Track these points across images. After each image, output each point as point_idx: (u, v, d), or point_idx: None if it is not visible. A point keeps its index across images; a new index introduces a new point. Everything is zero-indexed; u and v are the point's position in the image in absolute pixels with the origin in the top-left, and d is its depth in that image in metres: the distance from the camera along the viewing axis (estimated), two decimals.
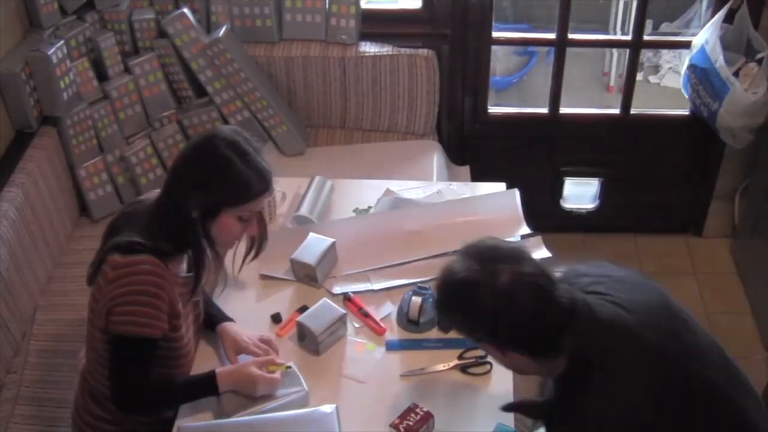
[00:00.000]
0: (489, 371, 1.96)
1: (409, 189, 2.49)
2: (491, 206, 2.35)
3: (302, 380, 1.90)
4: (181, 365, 1.92)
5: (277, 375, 1.88)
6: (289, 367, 1.91)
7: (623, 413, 1.49)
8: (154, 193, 1.93)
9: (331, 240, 2.19)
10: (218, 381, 1.84)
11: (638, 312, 1.58)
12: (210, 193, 1.80)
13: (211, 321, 2.04)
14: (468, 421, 1.84)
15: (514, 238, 2.26)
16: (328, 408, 1.81)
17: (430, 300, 2.04)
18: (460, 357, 1.98)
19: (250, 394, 1.86)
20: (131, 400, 1.83)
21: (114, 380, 1.82)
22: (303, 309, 2.09)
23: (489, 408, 1.84)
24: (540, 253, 2.24)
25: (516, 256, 1.55)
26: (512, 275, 1.50)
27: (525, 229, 2.30)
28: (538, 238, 2.31)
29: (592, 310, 1.56)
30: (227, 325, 2.02)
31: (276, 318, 2.10)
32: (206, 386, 1.85)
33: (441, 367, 1.96)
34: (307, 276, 2.16)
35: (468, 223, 2.29)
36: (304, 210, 2.33)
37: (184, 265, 1.91)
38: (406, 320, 2.04)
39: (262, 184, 1.84)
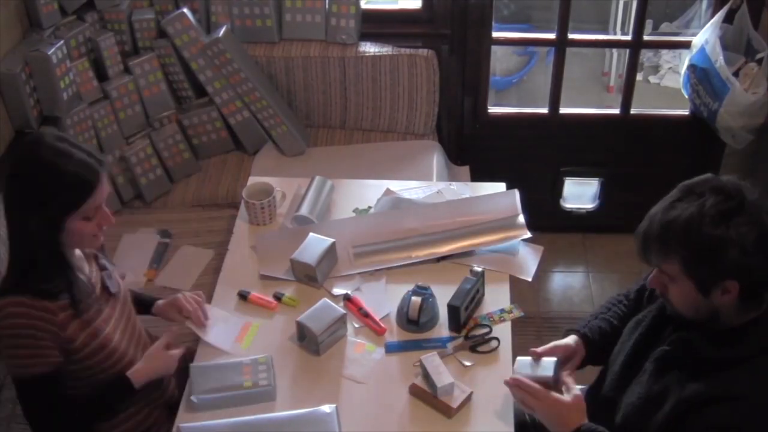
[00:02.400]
0: (496, 348, 1.98)
1: (409, 189, 2.48)
2: (491, 207, 2.34)
3: (272, 375, 1.91)
4: (120, 369, 1.89)
5: (176, 352, 1.92)
6: None
7: None
8: None
9: (330, 240, 2.19)
10: (132, 379, 1.85)
11: None
12: (46, 206, 1.70)
13: (146, 308, 2.07)
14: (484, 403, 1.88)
15: (515, 239, 2.25)
16: (328, 408, 1.81)
17: (430, 300, 2.04)
18: (466, 337, 2.00)
19: (165, 374, 1.93)
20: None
21: (29, 421, 1.82)
22: (279, 296, 2.14)
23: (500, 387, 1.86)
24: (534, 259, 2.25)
25: (749, 189, 1.52)
26: (760, 210, 1.49)
27: (525, 232, 2.28)
28: (539, 248, 2.31)
29: None
30: (159, 302, 2.08)
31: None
32: (121, 389, 1.85)
33: (449, 350, 1.98)
34: (307, 276, 2.16)
35: (467, 223, 2.29)
36: (304, 210, 2.33)
37: (57, 284, 1.79)
38: (406, 320, 2.04)
39: (91, 177, 1.73)
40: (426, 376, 1.87)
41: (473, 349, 2.00)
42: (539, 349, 1.83)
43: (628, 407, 1.66)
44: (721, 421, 1.48)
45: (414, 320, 2.03)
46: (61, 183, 1.70)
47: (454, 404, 1.84)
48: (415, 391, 1.90)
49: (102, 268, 1.93)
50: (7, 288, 1.75)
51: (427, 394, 1.87)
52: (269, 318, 2.11)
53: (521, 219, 2.31)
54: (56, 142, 1.72)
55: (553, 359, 1.79)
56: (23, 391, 1.79)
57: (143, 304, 2.09)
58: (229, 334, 2.05)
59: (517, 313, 2.10)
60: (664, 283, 1.60)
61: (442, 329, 2.06)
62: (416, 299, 2.02)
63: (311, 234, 2.21)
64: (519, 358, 1.84)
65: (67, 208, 1.72)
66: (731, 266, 1.48)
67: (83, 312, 1.80)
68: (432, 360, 1.89)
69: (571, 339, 1.89)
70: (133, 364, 1.91)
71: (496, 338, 2.02)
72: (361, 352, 2.01)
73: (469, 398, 1.87)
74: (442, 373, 1.86)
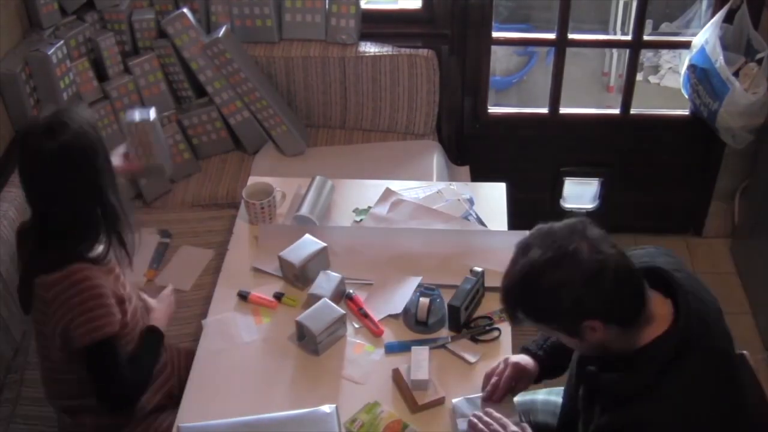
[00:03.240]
0: (497, 337, 2.00)
1: (409, 189, 2.48)
2: (491, 242, 2.24)
3: None
4: (129, 336, 1.95)
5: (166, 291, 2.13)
6: None
7: (701, 408, 1.48)
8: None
9: (322, 244, 2.17)
10: (160, 328, 2.00)
11: (709, 305, 1.59)
12: (96, 180, 1.81)
13: None
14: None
15: None
16: (328, 408, 1.81)
17: (438, 300, 2.05)
18: (467, 327, 2.01)
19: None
20: (120, 397, 1.87)
21: (101, 385, 1.85)
22: (279, 295, 2.15)
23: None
24: None
25: (578, 229, 1.51)
26: (590, 246, 1.47)
27: None
28: None
29: (681, 285, 1.55)
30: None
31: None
32: (158, 340, 2.00)
33: (450, 338, 2.00)
34: (294, 276, 2.16)
35: (465, 255, 2.22)
36: (304, 210, 2.33)
37: (101, 249, 1.86)
38: (415, 321, 2.04)
39: (93, 122, 1.87)
40: (409, 366, 1.89)
41: (474, 339, 2.00)
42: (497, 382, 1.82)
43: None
44: None
45: (423, 321, 2.03)
46: (92, 145, 1.79)
47: (421, 401, 1.86)
48: (395, 377, 1.92)
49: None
50: (58, 262, 1.78)
51: (403, 383, 1.89)
52: (269, 317, 2.11)
53: None
54: (77, 122, 1.79)
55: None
56: (98, 356, 1.82)
57: None
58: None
59: None
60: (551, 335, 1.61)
61: (446, 330, 2.06)
62: (424, 300, 2.03)
63: (306, 235, 2.21)
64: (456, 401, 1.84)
65: (103, 164, 1.82)
66: (572, 311, 1.47)
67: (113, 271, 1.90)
68: (420, 352, 1.91)
69: (523, 358, 1.87)
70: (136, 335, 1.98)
71: (498, 328, 2.02)
72: (360, 352, 2.01)
73: (440, 401, 1.87)
74: (422, 368, 1.87)
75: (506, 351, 2.01)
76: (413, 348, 1.93)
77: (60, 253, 1.80)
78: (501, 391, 1.81)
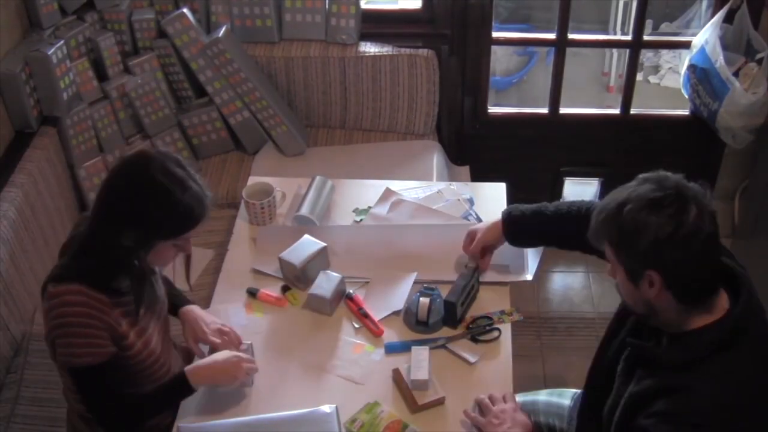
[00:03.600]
0: (497, 338, 2.00)
1: (409, 189, 2.48)
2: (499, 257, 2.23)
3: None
4: (156, 379, 1.88)
5: (247, 366, 1.86)
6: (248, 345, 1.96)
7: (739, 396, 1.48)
8: None
9: (322, 244, 2.16)
10: (190, 380, 1.81)
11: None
12: (147, 227, 1.70)
13: (174, 306, 2.03)
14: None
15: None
16: (328, 408, 1.81)
17: (438, 300, 2.05)
18: (467, 327, 2.02)
19: (230, 384, 1.86)
20: (108, 421, 1.83)
21: (87, 406, 1.83)
22: (285, 288, 2.15)
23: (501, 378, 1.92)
24: None
25: (698, 195, 1.55)
26: (698, 213, 1.50)
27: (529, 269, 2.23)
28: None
29: (745, 278, 1.58)
30: (188, 309, 2.02)
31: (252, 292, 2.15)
32: (180, 389, 1.82)
33: (450, 338, 2.00)
34: (295, 277, 2.15)
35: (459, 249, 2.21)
36: (304, 210, 2.33)
37: (122, 282, 1.79)
38: (416, 321, 2.04)
39: (201, 211, 1.74)
40: (409, 366, 1.89)
41: (474, 339, 2.00)
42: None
43: (606, 409, 1.67)
44: (663, 410, 1.49)
45: (423, 321, 2.03)
46: (172, 211, 1.69)
47: (421, 401, 1.85)
48: (395, 377, 1.92)
49: (152, 273, 1.92)
50: (65, 275, 1.74)
51: (403, 383, 1.89)
52: (272, 313, 2.11)
53: (528, 276, 2.22)
54: (175, 167, 1.70)
55: None
56: (78, 380, 1.78)
57: (170, 302, 2.05)
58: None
59: (516, 316, 2.09)
60: (614, 271, 1.62)
61: (445, 330, 2.06)
62: (424, 300, 2.03)
63: (306, 235, 2.20)
64: None
65: (168, 235, 1.73)
66: (646, 254, 1.49)
67: (136, 320, 1.81)
68: (420, 352, 1.91)
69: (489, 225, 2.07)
70: (168, 370, 1.91)
71: (498, 329, 2.02)
72: (360, 352, 2.01)
73: (440, 401, 1.87)
74: (422, 368, 1.87)
75: (506, 351, 2.01)
76: (413, 348, 1.93)
77: (69, 266, 1.75)
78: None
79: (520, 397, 2.01)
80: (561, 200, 2.03)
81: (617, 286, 1.64)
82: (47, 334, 1.75)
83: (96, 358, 1.73)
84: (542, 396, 2.12)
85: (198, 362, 1.87)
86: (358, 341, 2.04)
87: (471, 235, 2.11)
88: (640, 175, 1.61)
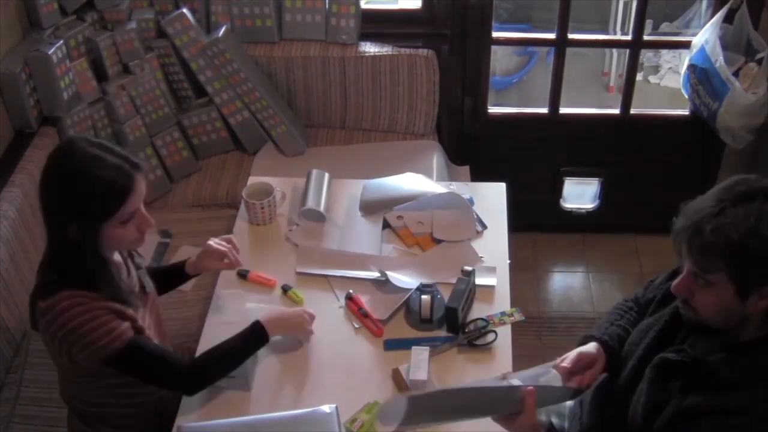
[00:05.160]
0: (494, 341, 2.00)
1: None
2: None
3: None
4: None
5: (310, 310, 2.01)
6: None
7: None
8: None
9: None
10: (267, 328, 1.89)
11: None
12: (81, 215, 1.68)
13: (178, 273, 2.08)
14: None
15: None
16: (327, 408, 1.81)
17: (438, 296, 2.06)
18: (463, 331, 2.01)
19: (297, 336, 1.99)
20: (187, 383, 1.84)
21: (155, 383, 1.84)
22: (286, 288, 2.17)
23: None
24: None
25: None
26: None
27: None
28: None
29: None
30: (190, 261, 2.08)
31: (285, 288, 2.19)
32: (257, 337, 1.89)
33: (447, 345, 2.00)
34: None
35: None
36: (310, 203, 2.34)
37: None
38: (419, 320, 2.04)
39: (124, 180, 1.69)
40: (409, 366, 1.90)
41: (470, 343, 2.00)
42: (567, 363, 1.76)
43: (633, 414, 1.65)
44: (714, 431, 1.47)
45: (428, 319, 2.03)
46: (96, 190, 1.67)
47: None
48: (395, 377, 1.92)
49: (138, 267, 1.93)
50: (49, 288, 1.73)
51: (402, 383, 1.90)
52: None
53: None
54: (89, 148, 1.69)
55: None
56: (123, 367, 1.77)
57: (173, 273, 2.08)
58: None
59: (518, 316, 2.09)
60: (692, 289, 1.56)
61: (444, 329, 2.06)
62: (426, 298, 2.03)
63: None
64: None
65: (103, 215, 1.69)
66: None
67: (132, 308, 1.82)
68: (420, 352, 1.91)
69: (592, 347, 1.82)
70: None
71: (494, 331, 2.02)
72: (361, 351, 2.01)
73: None
74: (422, 369, 1.87)
75: (505, 355, 2.00)
76: (413, 348, 1.93)
77: (50, 279, 1.74)
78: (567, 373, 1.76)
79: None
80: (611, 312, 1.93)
81: (685, 302, 1.58)
82: (59, 348, 1.74)
83: (122, 339, 1.72)
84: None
85: (269, 313, 1.94)
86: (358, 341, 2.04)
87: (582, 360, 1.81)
88: (730, 185, 1.52)
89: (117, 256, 1.87)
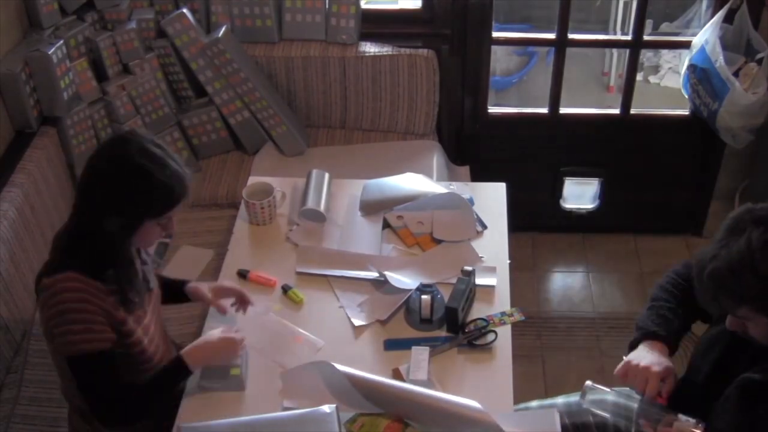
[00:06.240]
0: (494, 341, 2.00)
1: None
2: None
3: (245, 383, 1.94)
4: (150, 369, 1.88)
5: (238, 335, 1.89)
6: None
7: None
8: None
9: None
10: (187, 361, 1.82)
11: None
12: (129, 209, 1.71)
13: (178, 290, 2.05)
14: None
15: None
16: (328, 408, 1.81)
17: (438, 296, 2.06)
18: (463, 331, 2.01)
19: (225, 363, 1.89)
20: (108, 413, 1.79)
21: (86, 398, 1.79)
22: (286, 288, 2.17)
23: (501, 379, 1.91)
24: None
25: None
26: None
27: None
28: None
29: None
30: (193, 284, 2.06)
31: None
32: (178, 371, 1.83)
33: (447, 345, 1.99)
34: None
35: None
36: (311, 203, 2.34)
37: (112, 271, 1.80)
38: (419, 320, 2.05)
39: (182, 189, 1.75)
40: (409, 366, 1.90)
41: (470, 343, 2.00)
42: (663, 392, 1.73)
43: None
44: None
45: (428, 318, 2.04)
46: (153, 190, 1.70)
47: None
48: (395, 377, 1.92)
49: (143, 263, 1.93)
50: (58, 266, 1.73)
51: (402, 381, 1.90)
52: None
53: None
54: (152, 147, 1.71)
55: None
56: (78, 368, 1.75)
57: (173, 288, 2.07)
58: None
59: (518, 316, 2.09)
60: (741, 324, 1.56)
61: (443, 329, 2.06)
62: (426, 297, 2.03)
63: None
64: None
65: (151, 214, 1.73)
66: None
67: (132, 307, 1.81)
68: (420, 352, 1.91)
69: (662, 358, 1.77)
70: (158, 358, 1.91)
71: (494, 331, 2.02)
72: (301, 343, 2.03)
73: None
74: (422, 369, 1.88)
75: (506, 353, 2.00)
76: (413, 348, 1.93)
77: (61, 258, 1.75)
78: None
79: (587, 395, 1.99)
80: (657, 295, 1.90)
81: (745, 334, 1.57)
82: (45, 327, 1.74)
83: (95, 345, 1.71)
84: (611, 396, 2.04)
85: (192, 344, 1.87)
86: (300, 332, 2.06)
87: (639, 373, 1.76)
88: (726, 224, 1.53)
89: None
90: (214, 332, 1.90)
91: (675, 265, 1.92)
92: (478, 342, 2.01)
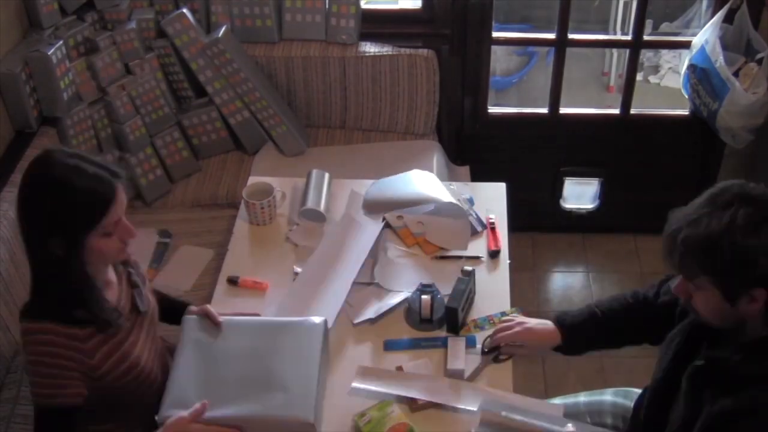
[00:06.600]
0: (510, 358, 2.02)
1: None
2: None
3: None
4: (141, 390, 1.86)
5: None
6: None
7: None
8: None
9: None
10: None
11: None
12: (62, 227, 1.64)
13: (177, 312, 1.99)
14: None
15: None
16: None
17: (438, 296, 2.06)
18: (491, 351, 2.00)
19: None
20: None
21: None
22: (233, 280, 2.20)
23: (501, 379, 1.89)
24: None
25: None
26: None
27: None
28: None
29: None
30: (190, 308, 1.99)
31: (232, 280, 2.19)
32: None
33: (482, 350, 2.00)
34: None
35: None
36: (311, 203, 2.34)
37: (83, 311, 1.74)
38: (419, 320, 2.05)
39: (105, 189, 1.66)
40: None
41: (496, 359, 2.00)
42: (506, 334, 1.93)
43: (671, 427, 1.65)
44: None
45: (428, 318, 2.04)
46: (76, 201, 1.63)
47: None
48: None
49: (134, 286, 1.88)
50: (35, 313, 1.71)
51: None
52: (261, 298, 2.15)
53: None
54: (66, 159, 1.65)
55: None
56: (38, 419, 1.74)
57: (174, 311, 2.01)
58: None
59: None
60: (688, 291, 1.58)
61: (444, 329, 2.06)
62: (426, 298, 2.03)
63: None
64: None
65: (85, 226, 1.65)
66: (761, 275, 1.46)
67: (110, 336, 1.77)
68: (456, 342, 1.98)
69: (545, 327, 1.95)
70: (155, 379, 1.89)
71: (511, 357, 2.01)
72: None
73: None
74: (459, 359, 1.94)
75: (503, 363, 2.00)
76: (450, 339, 1.99)
77: (38, 303, 1.72)
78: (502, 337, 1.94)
79: (585, 397, 2.00)
80: (600, 300, 1.98)
81: (686, 303, 1.60)
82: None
83: (57, 399, 1.69)
84: (608, 396, 2.08)
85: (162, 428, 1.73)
86: None
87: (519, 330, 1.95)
88: (711, 193, 1.53)
89: (111, 274, 1.84)
90: (169, 421, 1.73)
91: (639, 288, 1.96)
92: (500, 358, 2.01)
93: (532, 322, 1.96)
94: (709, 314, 1.57)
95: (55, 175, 1.64)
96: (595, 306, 1.93)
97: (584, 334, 1.91)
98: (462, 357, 1.93)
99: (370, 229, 2.31)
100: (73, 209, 1.64)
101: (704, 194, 1.55)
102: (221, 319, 1.91)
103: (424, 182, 2.44)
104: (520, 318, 2.00)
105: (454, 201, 2.33)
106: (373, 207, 2.39)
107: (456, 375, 1.92)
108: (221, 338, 1.88)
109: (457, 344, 1.97)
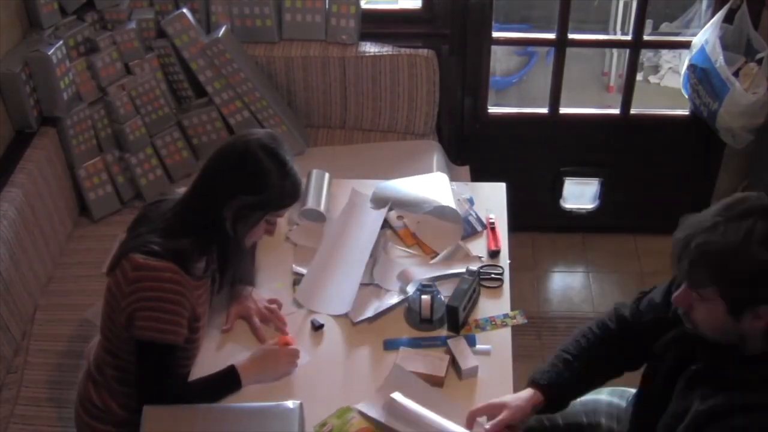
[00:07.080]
0: (501, 285, 2.06)
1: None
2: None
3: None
4: (192, 358, 1.96)
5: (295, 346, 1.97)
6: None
7: None
8: (179, 192, 1.97)
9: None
10: (241, 375, 1.89)
11: None
12: (252, 198, 1.84)
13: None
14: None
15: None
16: (291, 404, 1.80)
17: (438, 296, 2.06)
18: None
19: (276, 377, 1.93)
20: (155, 399, 1.82)
21: (140, 382, 1.85)
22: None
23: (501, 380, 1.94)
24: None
25: None
26: None
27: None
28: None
29: None
30: (242, 289, 2.10)
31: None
32: (230, 383, 1.89)
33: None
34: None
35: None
36: (311, 203, 2.34)
37: (202, 265, 1.89)
38: (419, 320, 2.05)
39: (297, 193, 1.92)
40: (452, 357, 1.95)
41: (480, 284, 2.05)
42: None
43: (661, 426, 1.64)
44: (737, 428, 1.46)
45: (428, 318, 2.04)
46: (286, 182, 1.86)
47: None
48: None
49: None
50: (158, 251, 1.80)
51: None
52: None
53: None
54: (284, 152, 1.88)
55: None
56: (148, 354, 1.81)
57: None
58: None
59: (520, 319, 2.09)
60: (690, 302, 1.55)
61: (443, 328, 2.06)
62: (426, 298, 2.03)
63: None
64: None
65: (273, 207, 1.89)
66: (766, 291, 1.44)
67: (208, 295, 1.94)
68: (458, 342, 1.98)
69: (516, 396, 1.79)
70: (193, 354, 1.97)
71: (501, 279, 2.08)
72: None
73: (439, 382, 1.91)
74: (468, 357, 1.94)
75: (506, 354, 2.00)
76: (449, 340, 1.99)
77: (167, 245, 1.81)
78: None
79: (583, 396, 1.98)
80: (566, 343, 1.86)
81: (685, 314, 1.57)
82: (127, 302, 1.79)
83: (175, 337, 1.81)
84: (604, 396, 2.05)
85: (244, 360, 1.92)
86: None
87: (493, 409, 1.78)
88: (726, 203, 1.50)
89: None
90: (260, 349, 1.96)
91: (607, 310, 1.91)
92: (488, 284, 2.05)
93: (507, 398, 1.79)
94: (708, 327, 1.55)
95: (282, 158, 1.87)
96: (565, 352, 1.82)
97: (564, 391, 1.80)
98: (470, 355, 1.95)
99: (376, 213, 2.33)
100: (281, 186, 1.86)
101: (720, 202, 1.52)
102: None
103: (434, 185, 2.43)
104: (492, 401, 1.79)
105: (453, 206, 2.32)
106: (381, 202, 2.39)
107: (471, 374, 1.93)
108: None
109: (459, 344, 1.97)
